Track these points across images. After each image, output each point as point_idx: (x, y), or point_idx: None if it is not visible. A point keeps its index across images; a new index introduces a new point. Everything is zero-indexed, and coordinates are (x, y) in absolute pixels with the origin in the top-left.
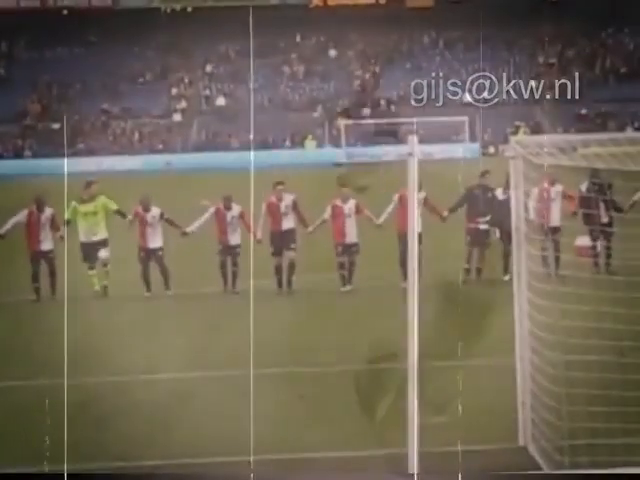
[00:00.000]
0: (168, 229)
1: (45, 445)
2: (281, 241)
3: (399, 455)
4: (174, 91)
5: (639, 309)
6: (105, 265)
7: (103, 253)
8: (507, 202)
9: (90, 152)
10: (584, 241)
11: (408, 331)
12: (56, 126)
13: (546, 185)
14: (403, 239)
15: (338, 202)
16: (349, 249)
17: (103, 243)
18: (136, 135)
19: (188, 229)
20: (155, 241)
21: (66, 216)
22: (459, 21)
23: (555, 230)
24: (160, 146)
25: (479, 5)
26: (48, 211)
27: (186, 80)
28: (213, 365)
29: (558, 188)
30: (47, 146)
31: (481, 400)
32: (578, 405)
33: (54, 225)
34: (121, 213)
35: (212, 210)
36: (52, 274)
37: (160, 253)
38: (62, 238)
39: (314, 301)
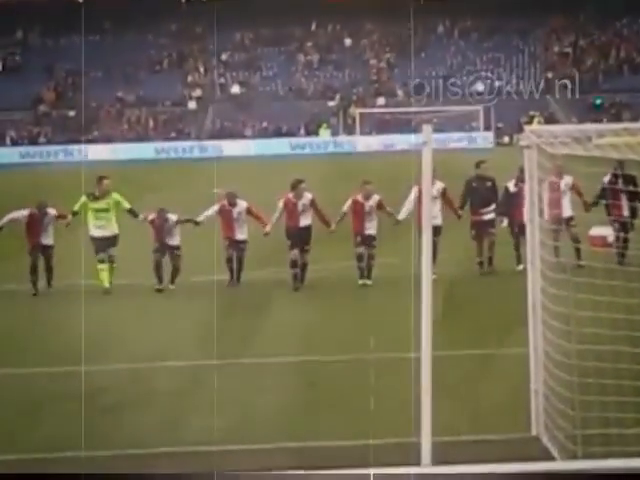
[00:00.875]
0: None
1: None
2: (299, 237)
3: (409, 444)
4: (189, 79)
5: None
6: (112, 262)
7: (112, 250)
8: (518, 194)
9: (105, 139)
10: (598, 231)
11: (422, 321)
12: (71, 113)
13: (554, 178)
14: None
15: (359, 198)
16: (367, 241)
17: (114, 239)
18: (151, 123)
19: (198, 219)
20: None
21: (75, 207)
22: (474, 11)
23: (569, 220)
24: (174, 134)
25: None
26: (51, 212)
27: (201, 68)
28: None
29: (567, 180)
30: (62, 133)
31: (494, 389)
32: (591, 394)
33: (59, 218)
34: (133, 212)
35: (216, 208)
36: (49, 269)
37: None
38: (68, 226)
39: (330, 295)
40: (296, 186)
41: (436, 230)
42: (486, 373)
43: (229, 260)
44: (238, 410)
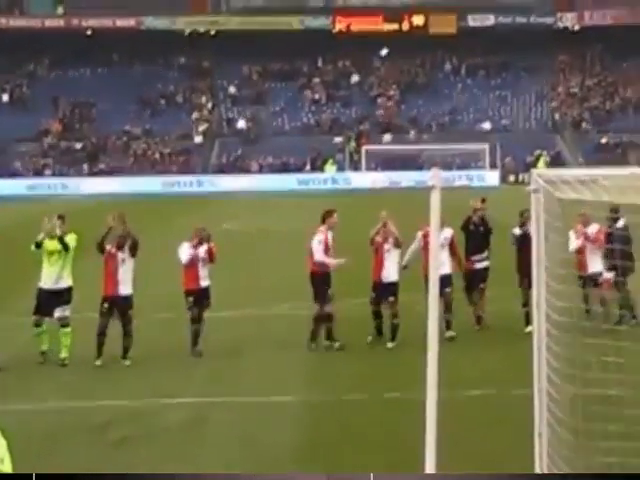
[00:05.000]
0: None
1: None
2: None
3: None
4: (196, 113)
5: None
6: (65, 325)
7: (63, 309)
8: (526, 237)
9: (111, 172)
10: (608, 275)
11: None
12: (78, 145)
13: (580, 227)
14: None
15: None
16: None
17: (66, 293)
18: (157, 156)
19: (184, 261)
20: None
21: (38, 238)
22: (481, 48)
23: (597, 276)
24: (180, 168)
25: (501, 33)
26: None
27: (208, 102)
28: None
29: (593, 228)
30: (68, 165)
31: (499, 430)
32: (595, 439)
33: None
34: (101, 247)
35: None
36: None
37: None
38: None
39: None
40: (329, 217)
41: (445, 280)
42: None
43: (194, 320)
44: None
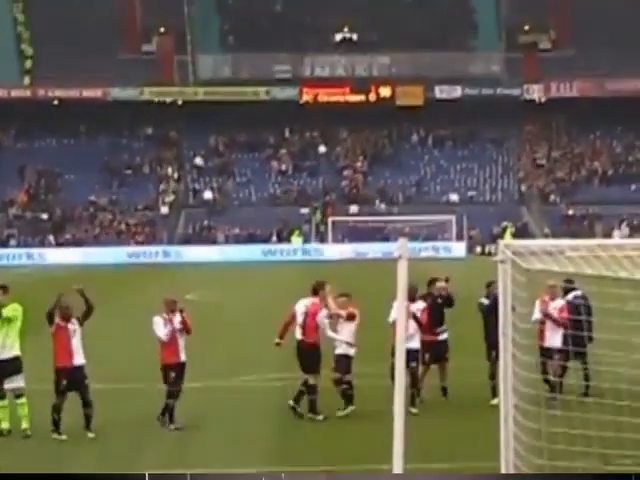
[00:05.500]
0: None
1: None
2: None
3: None
4: (162, 183)
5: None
6: (19, 396)
7: (12, 379)
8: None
9: (76, 243)
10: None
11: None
12: (44, 216)
13: (547, 298)
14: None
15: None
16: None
17: (12, 362)
18: (123, 227)
19: (164, 336)
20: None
21: None
22: (448, 119)
23: (551, 351)
24: (146, 238)
25: (468, 104)
26: None
27: (174, 173)
28: None
29: (557, 304)
30: (33, 236)
31: None
32: None
33: None
34: (50, 318)
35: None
36: None
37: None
38: None
39: None
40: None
41: (412, 354)
42: None
43: (170, 395)
44: None
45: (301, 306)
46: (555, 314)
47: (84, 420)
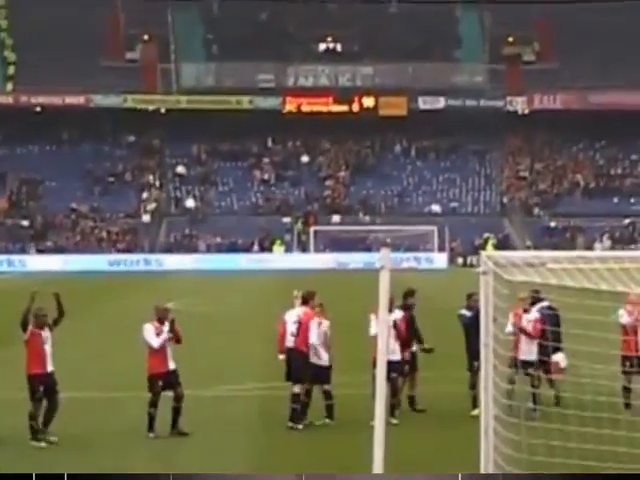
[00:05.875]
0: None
1: None
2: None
3: None
4: (144, 191)
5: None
6: None
7: None
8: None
9: (58, 250)
10: (557, 358)
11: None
12: (25, 223)
13: (520, 311)
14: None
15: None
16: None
17: None
18: (104, 234)
19: (156, 344)
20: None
21: None
22: (431, 130)
23: (527, 364)
24: (127, 246)
25: (451, 115)
26: None
27: (157, 181)
28: None
29: (531, 317)
30: (14, 242)
31: None
32: None
33: None
34: (24, 326)
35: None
36: None
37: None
38: None
39: None
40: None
41: (394, 366)
42: None
43: (152, 404)
44: None
45: (292, 315)
46: (529, 327)
47: (44, 421)
